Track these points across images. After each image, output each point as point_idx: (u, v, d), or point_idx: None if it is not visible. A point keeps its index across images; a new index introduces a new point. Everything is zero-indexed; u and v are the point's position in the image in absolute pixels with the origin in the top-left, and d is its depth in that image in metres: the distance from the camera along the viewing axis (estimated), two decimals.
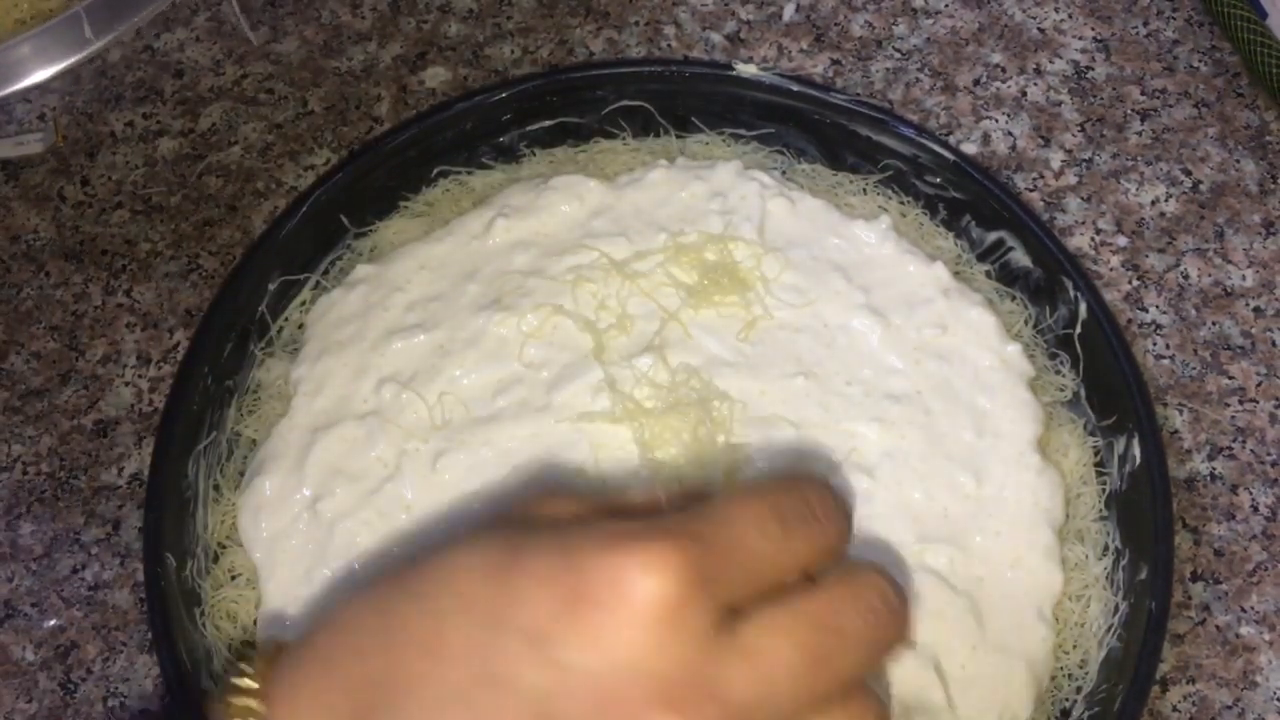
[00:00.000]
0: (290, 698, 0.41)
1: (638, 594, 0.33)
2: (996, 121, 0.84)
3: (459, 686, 0.35)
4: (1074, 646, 0.63)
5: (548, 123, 0.78)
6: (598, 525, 0.37)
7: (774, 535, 0.36)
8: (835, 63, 0.86)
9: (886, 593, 0.39)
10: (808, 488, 0.40)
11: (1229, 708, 0.66)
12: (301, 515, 0.65)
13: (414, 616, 0.37)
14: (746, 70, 0.77)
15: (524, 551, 0.36)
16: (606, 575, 0.34)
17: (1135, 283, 0.78)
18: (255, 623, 0.64)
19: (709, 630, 0.34)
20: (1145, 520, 0.64)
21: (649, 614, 0.33)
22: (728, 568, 0.35)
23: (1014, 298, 0.73)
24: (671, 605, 0.33)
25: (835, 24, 0.88)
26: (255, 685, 0.42)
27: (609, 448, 0.65)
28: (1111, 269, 0.78)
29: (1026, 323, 0.72)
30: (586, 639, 0.33)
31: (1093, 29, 0.87)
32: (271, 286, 0.72)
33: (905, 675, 0.60)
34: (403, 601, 0.37)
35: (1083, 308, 0.70)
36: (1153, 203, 0.81)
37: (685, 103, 0.78)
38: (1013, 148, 0.83)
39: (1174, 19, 0.88)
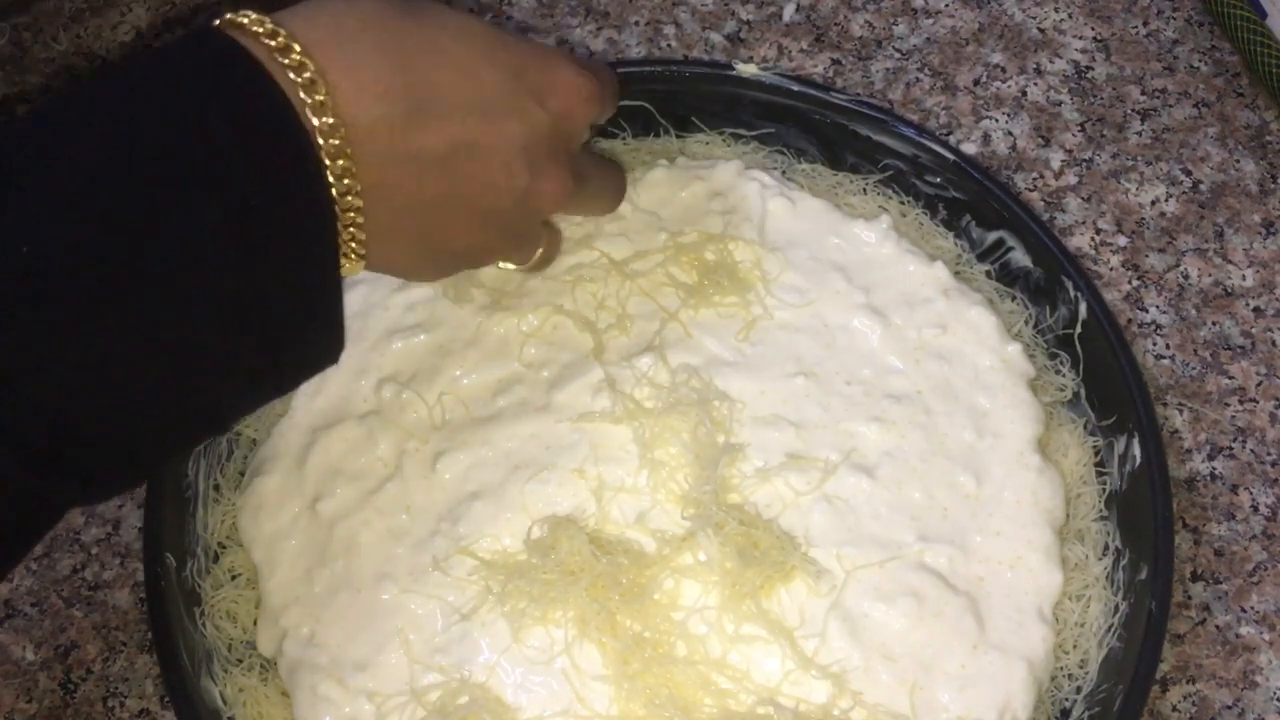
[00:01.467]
0: (345, 60, 0.47)
1: (580, 87, 0.56)
2: (996, 121, 0.84)
3: (488, 102, 0.52)
4: (1074, 646, 0.63)
5: None
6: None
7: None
8: (835, 63, 0.86)
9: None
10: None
11: (1229, 708, 0.66)
12: (301, 515, 0.65)
13: (455, 49, 0.52)
14: (746, 70, 0.77)
15: (527, 51, 0.55)
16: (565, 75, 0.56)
17: (1135, 283, 0.78)
18: (255, 623, 0.64)
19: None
20: (1145, 520, 0.64)
21: (579, 96, 0.56)
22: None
23: (1014, 298, 0.73)
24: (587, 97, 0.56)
25: (835, 24, 0.88)
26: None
27: (609, 448, 0.65)
28: (1111, 269, 0.78)
29: (1026, 323, 0.72)
30: (558, 99, 0.56)
31: (1093, 29, 0.87)
32: None
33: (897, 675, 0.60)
34: (440, 38, 0.51)
35: (1083, 308, 0.70)
36: (1153, 203, 0.81)
37: (685, 103, 0.78)
38: (1013, 148, 0.83)
39: (1174, 19, 0.88)
